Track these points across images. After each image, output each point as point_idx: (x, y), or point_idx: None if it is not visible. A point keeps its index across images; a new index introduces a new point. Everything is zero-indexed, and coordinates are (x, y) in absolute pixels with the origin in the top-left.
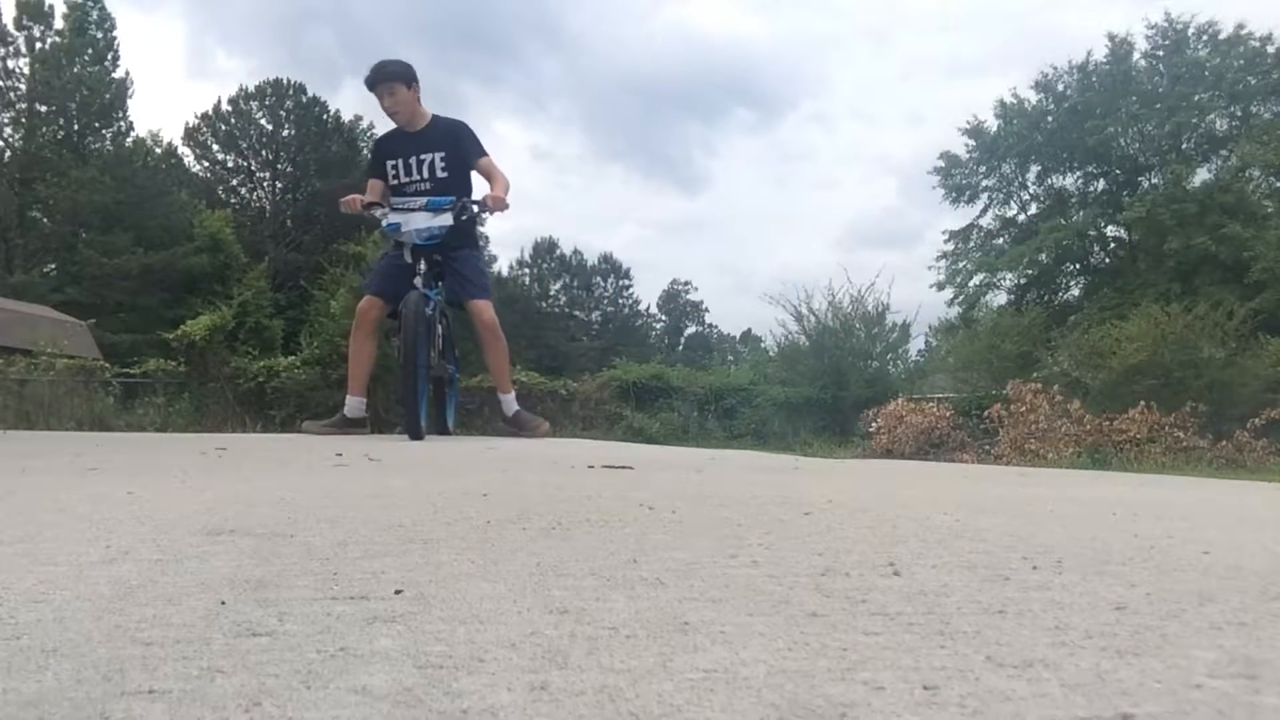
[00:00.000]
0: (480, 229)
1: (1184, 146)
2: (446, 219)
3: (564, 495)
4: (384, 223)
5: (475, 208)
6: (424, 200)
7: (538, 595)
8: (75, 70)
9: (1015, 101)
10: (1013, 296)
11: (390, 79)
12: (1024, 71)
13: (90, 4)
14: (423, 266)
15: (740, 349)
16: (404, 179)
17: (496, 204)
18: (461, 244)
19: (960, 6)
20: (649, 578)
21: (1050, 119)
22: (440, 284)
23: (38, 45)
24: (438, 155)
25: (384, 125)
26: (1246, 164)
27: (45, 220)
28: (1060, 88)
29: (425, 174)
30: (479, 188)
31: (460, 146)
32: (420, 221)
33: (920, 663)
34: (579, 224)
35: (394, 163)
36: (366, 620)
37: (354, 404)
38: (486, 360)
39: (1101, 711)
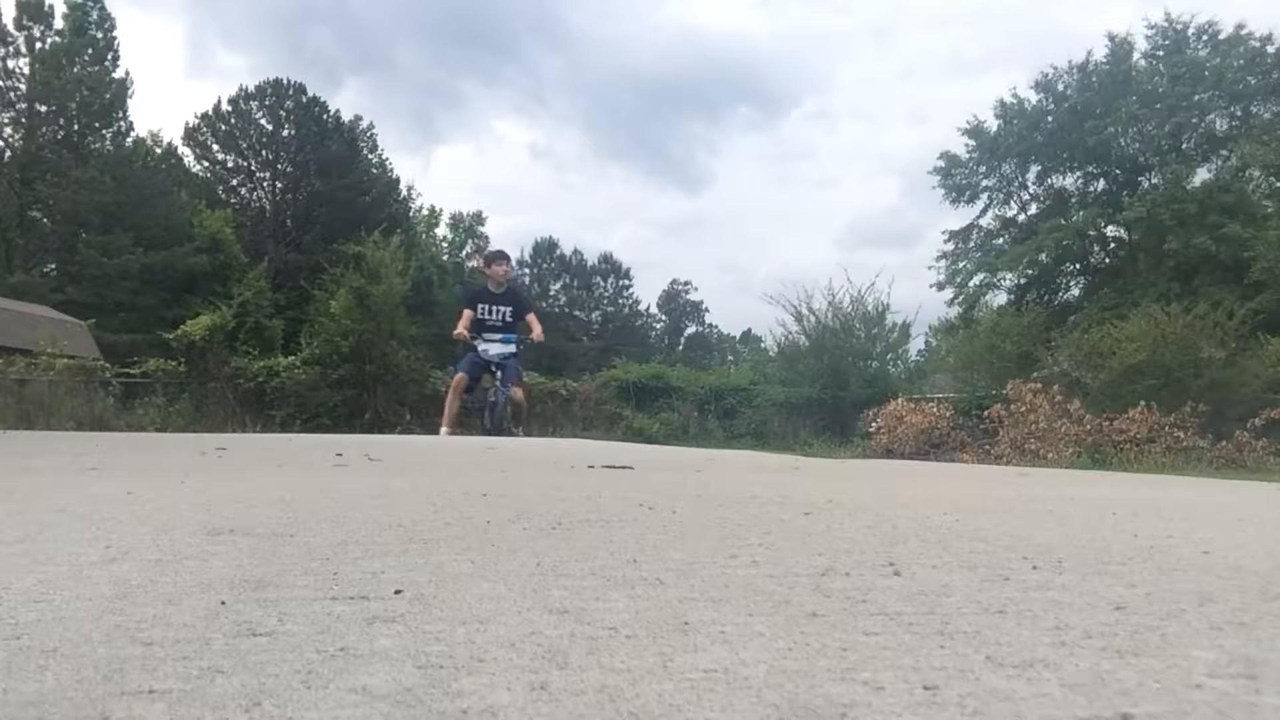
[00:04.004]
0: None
1: (1184, 146)
2: (511, 348)
3: (564, 495)
4: (479, 347)
5: (526, 341)
6: (501, 335)
7: (538, 595)
8: (75, 70)
9: (1015, 101)
10: (1013, 296)
11: (506, 262)
12: (1025, 70)
13: (90, 4)
14: (498, 373)
15: (740, 349)
16: (487, 317)
17: (537, 338)
18: (514, 356)
19: (962, 3)
20: (649, 578)
21: (1050, 119)
22: (501, 376)
23: (38, 45)
24: (508, 309)
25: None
26: (1246, 164)
27: (45, 220)
28: (1060, 87)
29: (499, 316)
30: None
31: (522, 304)
32: (497, 348)
33: (920, 663)
34: (579, 223)
35: (483, 305)
36: (366, 620)
37: (445, 432)
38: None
39: (1101, 711)
